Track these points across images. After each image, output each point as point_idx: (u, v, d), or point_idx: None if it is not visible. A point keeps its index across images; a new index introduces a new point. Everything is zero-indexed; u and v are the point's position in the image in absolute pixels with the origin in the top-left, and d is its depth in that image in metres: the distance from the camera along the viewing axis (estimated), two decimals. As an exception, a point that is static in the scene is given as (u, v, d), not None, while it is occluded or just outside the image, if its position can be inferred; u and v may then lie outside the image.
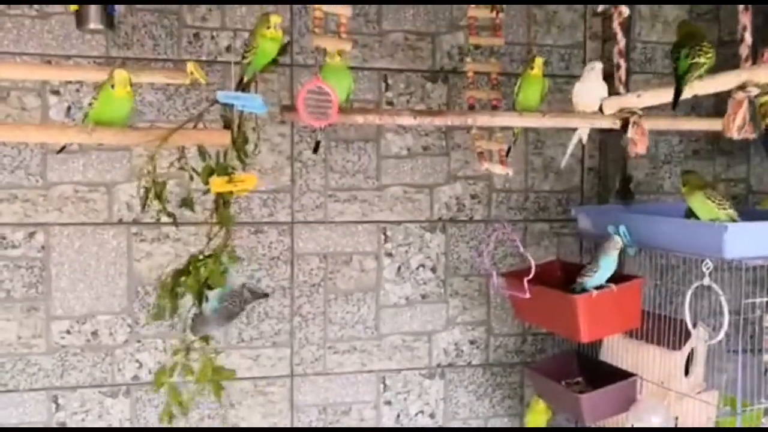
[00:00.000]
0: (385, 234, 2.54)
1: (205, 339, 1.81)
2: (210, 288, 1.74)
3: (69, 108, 2.25)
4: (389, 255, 2.55)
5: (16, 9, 2.20)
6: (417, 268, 2.58)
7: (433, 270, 2.59)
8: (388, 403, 2.57)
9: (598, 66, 1.99)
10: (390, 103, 2.50)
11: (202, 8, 2.34)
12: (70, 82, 2.24)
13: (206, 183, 1.73)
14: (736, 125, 1.69)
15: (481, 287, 2.64)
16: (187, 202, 1.80)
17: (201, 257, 1.74)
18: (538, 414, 2.38)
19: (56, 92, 2.24)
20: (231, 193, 1.72)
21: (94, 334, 2.31)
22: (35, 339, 2.27)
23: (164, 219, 2.26)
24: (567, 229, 2.69)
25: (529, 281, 2.04)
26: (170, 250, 2.35)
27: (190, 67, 1.79)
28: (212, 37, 2.35)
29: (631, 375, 2.09)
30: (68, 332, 2.29)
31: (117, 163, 2.31)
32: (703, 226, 1.93)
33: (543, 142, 2.66)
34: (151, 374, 2.35)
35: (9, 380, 2.26)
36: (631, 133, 1.88)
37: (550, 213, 2.69)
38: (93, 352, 2.32)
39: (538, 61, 2.00)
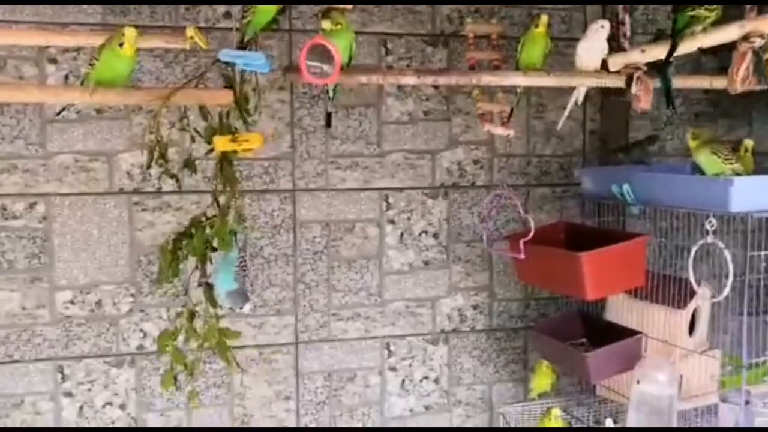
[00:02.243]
0: (387, 201, 2.54)
1: (212, 302, 1.80)
2: (214, 249, 1.73)
3: (67, 76, 2.23)
4: (391, 222, 2.54)
5: (10, -24, 2.17)
6: (419, 235, 2.57)
7: (436, 236, 2.59)
8: (393, 369, 2.58)
9: (607, 25, 1.97)
10: (390, 68, 2.48)
11: (199, -27, 2.31)
12: (67, 50, 2.21)
13: (209, 142, 1.71)
14: (740, 77, 1.69)
15: (484, 253, 2.63)
16: (189, 164, 1.78)
17: (204, 218, 1.72)
18: (544, 377, 2.39)
19: (54, 61, 2.22)
20: (235, 152, 1.70)
21: (98, 303, 2.31)
22: (39, 309, 2.26)
23: (166, 187, 2.28)
24: (569, 193, 2.68)
25: (533, 242, 2.04)
26: (172, 219, 2.34)
27: (190, 31, 1.77)
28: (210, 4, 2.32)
29: (635, 333, 2.09)
30: (72, 302, 2.29)
31: (116, 131, 2.29)
32: (710, 180, 1.92)
33: (545, 106, 2.64)
34: (156, 343, 2.35)
35: (14, 351, 2.25)
36: (635, 89, 1.88)
37: (552, 177, 2.68)
38: (97, 322, 2.31)
39: (543, 18, 1.99)
